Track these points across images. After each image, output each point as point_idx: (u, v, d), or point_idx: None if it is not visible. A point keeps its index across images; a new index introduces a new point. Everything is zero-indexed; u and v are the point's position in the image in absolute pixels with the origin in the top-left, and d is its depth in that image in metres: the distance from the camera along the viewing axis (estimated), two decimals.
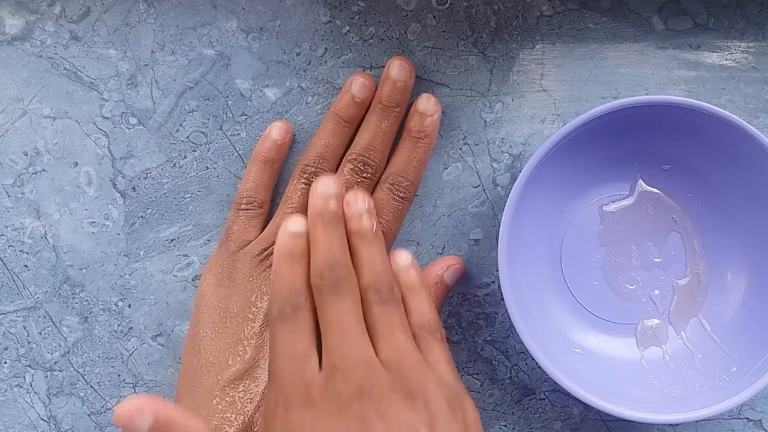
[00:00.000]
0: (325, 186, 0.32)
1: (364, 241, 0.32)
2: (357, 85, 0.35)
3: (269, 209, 0.37)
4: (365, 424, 0.28)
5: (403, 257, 0.33)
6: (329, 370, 0.29)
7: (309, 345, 0.30)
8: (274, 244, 0.34)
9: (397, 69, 0.35)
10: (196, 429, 0.28)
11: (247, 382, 0.33)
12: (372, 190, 0.36)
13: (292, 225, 0.31)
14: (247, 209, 0.36)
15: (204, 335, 0.35)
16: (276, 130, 0.36)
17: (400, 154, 0.36)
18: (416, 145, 0.35)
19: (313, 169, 0.35)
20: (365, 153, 0.35)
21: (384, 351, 0.30)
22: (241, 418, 0.33)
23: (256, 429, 0.33)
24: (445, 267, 0.36)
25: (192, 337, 0.35)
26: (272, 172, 0.36)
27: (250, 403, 0.33)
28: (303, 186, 0.35)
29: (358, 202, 0.32)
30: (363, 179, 0.35)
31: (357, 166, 0.35)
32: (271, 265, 0.34)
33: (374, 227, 0.32)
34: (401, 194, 0.35)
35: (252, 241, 0.36)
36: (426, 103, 0.35)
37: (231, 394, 0.33)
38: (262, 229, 0.36)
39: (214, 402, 0.33)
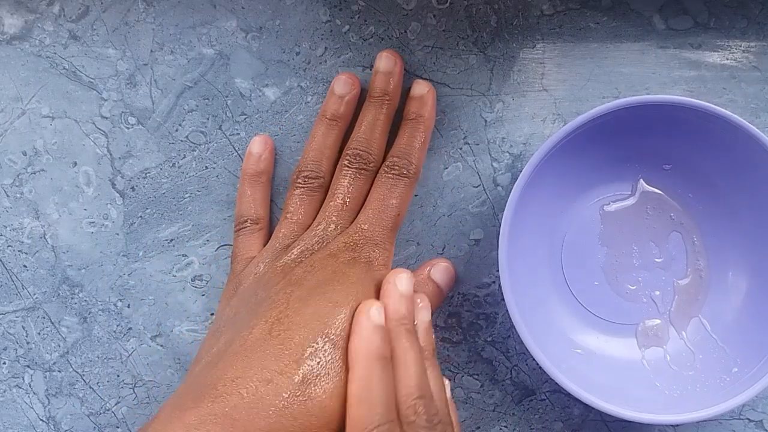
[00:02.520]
0: (404, 284, 0.32)
1: (429, 361, 0.32)
2: (340, 83, 0.36)
3: (269, 224, 0.37)
4: None
5: (447, 385, 0.33)
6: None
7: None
8: (277, 254, 0.34)
9: (384, 60, 0.35)
10: None
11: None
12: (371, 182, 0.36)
13: (374, 315, 0.31)
14: (243, 228, 0.36)
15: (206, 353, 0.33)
16: (255, 145, 0.36)
17: (398, 139, 0.36)
18: (414, 127, 0.35)
19: (306, 172, 0.35)
20: (359, 145, 0.35)
21: None
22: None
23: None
24: (429, 266, 0.36)
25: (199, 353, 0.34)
26: (263, 187, 0.36)
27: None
28: (298, 191, 0.35)
29: (425, 310, 0.33)
30: (360, 172, 0.35)
31: (353, 160, 0.35)
32: (272, 283, 0.33)
33: (433, 342, 0.33)
34: (396, 170, 0.35)
35: (255, 256, 0.35)
36: (418, 87, 0.36)
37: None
38: (264, 245, 0.36)
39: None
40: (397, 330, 0.31)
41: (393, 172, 0.35)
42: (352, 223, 0.35)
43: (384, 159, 0.36)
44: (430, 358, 0.32)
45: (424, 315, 0.33)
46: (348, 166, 0.35)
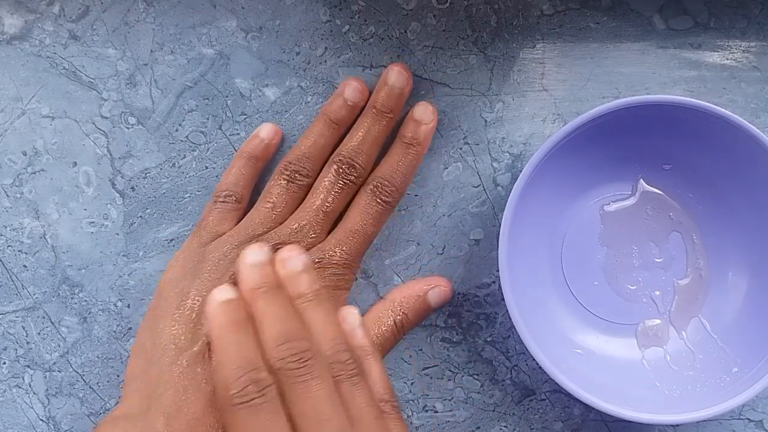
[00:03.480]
0: (253, 256, 0.31)
1: (308, 305, 0.31)
2: (350, 89, 0.35)
3: (247, 206, 0.36)
4: None
5: (352, 317, 0.33)
6: None
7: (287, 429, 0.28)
8: (246, 239, 0.34)
9: (395, 75, 0.35)
10: None
11: (206, 364, 0.32)
12: (355, 194, 0.36)
13: (220, 294, 0.30)
14: (224, 202, 0.36)
15: (164, 321, 0.33)
16: (265, 130, 0.36)
17: (389, 159, 0.35)
18: (407, 151, 0.35)
19: (295, 166, 0.35)
20: (351, 155, 0.35)
21: None
22: (201, 396, 0.31)
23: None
24: (432, 285, 0.36)
25: (151, 320, 0.34)
26: (254, 170, 0.36)
27: (206, 382, 0.31)
28: (284, 182, 0.35)
29: (293, 260, 0.31)
30: (346, 182, 0.35)
31: (341, 168, 0.35)
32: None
33: (315, 286, 0.31)
34: (383, 197, 0.35)
35: (225, 233, 0.35)
36: (423, 111, 0.36)
37: (190, 375, 0.31)
38: (236, 225, 0.36)
39: (174, 377, 0.31)
40: (251, 297, 0.30)
41: (380, 197, 0.35)
42: (326, 231, 0.35)
43: (370, 172, 0.36)
44: (312, 299, 0.31)
45: (293, 263, 0.31)
46: (337, 174, 0.35)
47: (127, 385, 0.34)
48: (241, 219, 0.36)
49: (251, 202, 0.37)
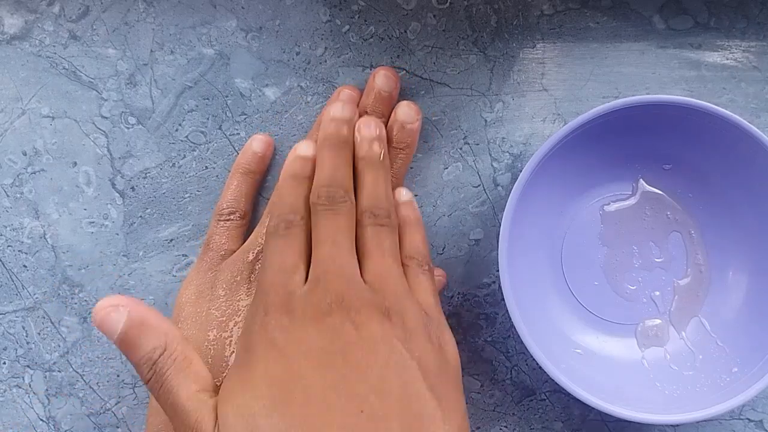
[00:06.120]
0: (337, 111, 0.33)
1: (370, 167, 0.33)
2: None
3: (250, 221, 0.37)
4: (339, 332, 0.28)
5: (403, 193, 0.34)
6: (312, 282, 0.29)
7: (297, 259, 0.30)
8: (257, 254, 0.34)
9: (382, 79, 0.35)
10: (167, 330, 0.28)
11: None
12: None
13: (302, 149, 0.33)
14: (229, 220, 0.36)
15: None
16: (257, 143, 0.36)
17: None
18: (396, 155, 0.35)
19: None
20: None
21: (370, 270, 0.30)
22: None
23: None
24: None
25: None
26: (253, 184, 0.36)
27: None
28: None
29: (371, 127, 0.33)
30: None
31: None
32: (254, 275, 0.34)
33: (382, 155, 0.33)
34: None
35: (235, 251, 0.35)
36: (407, 111, 0.35)
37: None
38: (244, 241, 0.36)
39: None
40: (320, 145, 0.33)
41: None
42: None
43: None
44: (373, 163, 0.33)
45: (370, 130, 0.33)
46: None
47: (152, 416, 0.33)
48: (247, 235, 0.36)
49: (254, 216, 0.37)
